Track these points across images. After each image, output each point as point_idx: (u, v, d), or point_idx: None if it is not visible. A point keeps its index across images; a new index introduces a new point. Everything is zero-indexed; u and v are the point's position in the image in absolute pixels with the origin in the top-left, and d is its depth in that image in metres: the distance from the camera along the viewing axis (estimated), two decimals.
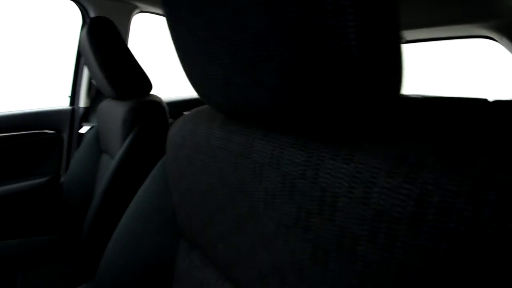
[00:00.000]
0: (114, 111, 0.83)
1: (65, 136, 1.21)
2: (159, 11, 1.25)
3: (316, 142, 0.22)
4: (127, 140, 0.72)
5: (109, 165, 0.94)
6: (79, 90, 1.22)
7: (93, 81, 1.21)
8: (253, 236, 0.28)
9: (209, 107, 0.38)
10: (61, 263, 0.88)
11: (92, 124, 1.17)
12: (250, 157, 0.27)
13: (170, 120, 0.91)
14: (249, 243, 0.28)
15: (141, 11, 1.21)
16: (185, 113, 1.48)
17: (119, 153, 0.72)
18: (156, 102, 0.79)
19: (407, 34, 1.47)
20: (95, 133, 1.04)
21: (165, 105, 0.81)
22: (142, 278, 0.42)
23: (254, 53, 0.20)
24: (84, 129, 1.18)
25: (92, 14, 1.11)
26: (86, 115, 1.22)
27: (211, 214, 0.33)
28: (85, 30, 0.76)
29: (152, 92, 0.89)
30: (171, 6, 0.26)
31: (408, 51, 1.70)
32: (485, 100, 1.36)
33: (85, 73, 1.19)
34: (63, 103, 1.25)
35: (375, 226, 0.17)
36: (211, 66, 0.26)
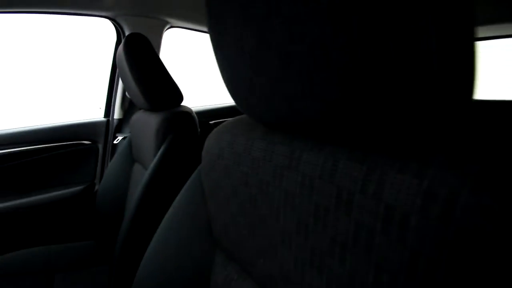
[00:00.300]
0: (147, 122, 0.86)
1: (100, 146, 1.27)
2: (189, 26, 1.31)
3: (376, 154, 0.20)
4: (161, 150, 0.74)
5: (141, 174, 0.97)
6: (113, 103, 1.28)
7: (127, 94, 1.27)
8: (300, 253, 0.26)
9: (247, 117, 0.37)
10: (96, 268, 0.91)
11: (125, 135, 1.22)
12: (297, 169, 0.26)
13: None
14: (295, 261, 0.27)
15: (171, 27, 1.27)
16: (211, 122, 1.51)
17: (153, 162, 0.74)
18: (187, 113, 0.81)
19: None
20: (128, 143, 1.08)
21: (195, 115, 0.83)
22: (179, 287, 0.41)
23: (310, 62, 0.19)
24: (117, 140, 1.23)
25: (126, 31, 1.18)
26: (119, 126, 1.28)
27: (250, 227, 0.32)
28: (121, 46, 0.81)
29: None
30: (217, 18, 0.26)
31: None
32: None
33: (120, 86, 1.26)
34: (94, 114, 1.33)
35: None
36: (257, 77, 0.25)
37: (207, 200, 0.41)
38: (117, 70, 1.25)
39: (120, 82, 1.26)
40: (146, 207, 0.73)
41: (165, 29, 1.24)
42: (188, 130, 0.80)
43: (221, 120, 1.59)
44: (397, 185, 0.18)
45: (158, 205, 0.72)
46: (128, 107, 1.29)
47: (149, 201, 0.73)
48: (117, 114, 1.29)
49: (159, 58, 0.81)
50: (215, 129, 0.42)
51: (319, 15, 0.17)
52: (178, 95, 0.85)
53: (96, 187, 1.27)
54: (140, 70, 0.77)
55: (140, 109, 1.18)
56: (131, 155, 1.06)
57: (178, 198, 0.47)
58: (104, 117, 1.31)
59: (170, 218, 0.46)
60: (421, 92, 0.16)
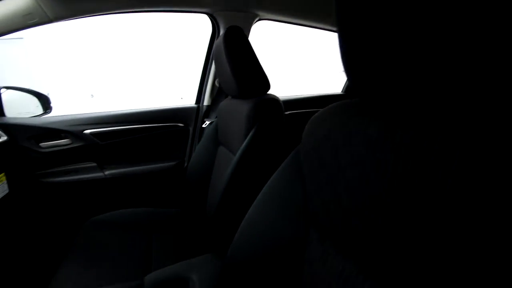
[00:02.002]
0: (236, 108, 0.94)
1: (191, 129, 1.44)
2: (278, 17, 1.35)
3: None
4: (250, 134, 0.80)
5: (225, 156, 1.06)
6: (204, 91, 1.43)
7: (216, 83, 1.40)
8: (414, 238, 0.26)
9: (347, 104, 0.38)
10: (184, 232, 1.05)
11: (212, 120, 1.35)
12: (421, 153, 0.26)
13: None
14: (405, 243, 0.27)
15: (260, 19, 1.33)
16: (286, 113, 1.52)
17: (243, 144, 0.81)
18: (276, 100, 0.85)
19: None
20: (214, 127, 1.19)
21: (282, 103, 0.87)
22: (272, 259, 0.45)
23: (464, 44, 0.19)
24: (205, 124, 1.38)
25: (221, 25, 1.29)
26: (207, 112, 1.43)
27: (358, 207, 0.33)
28: (220, 38, 0.89)
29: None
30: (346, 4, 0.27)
31: None
32: None
33: (210, 76, 1.40)
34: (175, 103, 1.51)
35: None
36: (390, 63, 0.26)
37: (305, 179, 0.43)
38: (210, 61, 1.39)
39: (211, 72, 1.39)
40: (236, 184, 0.80)
41: (254, 21, 1.31)
42: (275, 116, 0.84)
43: (294, 111, 1.60)
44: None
45: (246, 183, 0.79)
46: (216, 95, 1.42)
47: (238, 179, 0.81)
48: (206, 101, 1.44)
49: (252, 49, 0.87)
50: (317, 114, 0.43)
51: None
52: (266, 84, 0.89)
53: (185, 164, 1.45)
54: (236, 59, 0.85)
55: (226, 96, 1.28)
56: (217, 138, 1.17)
57: (274, 176, 0.51)
58: (195, 104, 1.48)
59: (267, 194, 0.50)
60: None
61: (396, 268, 0.29)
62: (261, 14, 1.30)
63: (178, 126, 1.43)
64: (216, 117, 1.20)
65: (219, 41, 0.91)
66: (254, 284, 0.47)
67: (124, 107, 1.42)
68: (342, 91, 1.78)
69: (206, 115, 1.43)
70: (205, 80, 1.43)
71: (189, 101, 1.52)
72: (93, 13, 0.98)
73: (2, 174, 1.04)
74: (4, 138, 1.09)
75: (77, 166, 1.28)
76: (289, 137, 0.84)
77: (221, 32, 1.32)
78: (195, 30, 3.87)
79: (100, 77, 4.06)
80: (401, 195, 0.28)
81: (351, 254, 0.35)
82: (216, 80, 1.40)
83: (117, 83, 4.04)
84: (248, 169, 0.81)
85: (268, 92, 0.96)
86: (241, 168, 0.82)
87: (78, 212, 1.26)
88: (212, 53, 1.36)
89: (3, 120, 1.17)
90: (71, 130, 1.23)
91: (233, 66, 0.85)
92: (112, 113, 1.33)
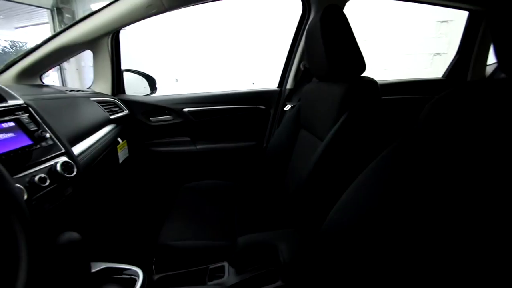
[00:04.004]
0: (326, 91, 0.93)
1: (271, 111, 1.50)
2: None
3: None
4: (342, 118, 0.79)
5: (308, 139, 1.08)
6: (288, 75, 1.46)
7: (301, 67, 1.40)
8: None
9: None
10: (262, 206, 1.12)
11: (294, 104, 1.38)
12: None
13: None
14: None
15: None
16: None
17: (333, 129, 0.80)
18: (373, 82, 0.81)
19: None
20: (297, 111, 1.21)
21: (379, 86, 0.82)
22: (365, 236, 0.46)
23: None
24: (287, 107, 1.41)
25: (313, 6, 1.27)
26: (290, 96, 1.46)
27: None
28: (317, 17, 0.88)
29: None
30: None
31: None
32: None
33: (296, 60, 1.41)
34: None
35: None
36: None
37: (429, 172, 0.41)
38: (297, 43, 1.40)
39: (297, 55, 1.40)
40: (323, 168, 0.81)
41: (347, 1, 1.25)
42: (372, 101, 0.80)
43: (389, 97, 1.48)
44: None
45: (334, 168, 0.79)
46: (300, 79, 1.43)
47: (326, 164, 0.81)
48: (289, 85, 1.46)
49: (351, 28, 0.84)
50: (445, 99, 0.40)
51: None
52: (362, 65, 0.85)
53: (264, 144, 1.53)
54: (333, 39, 0.82)
55: (309, 81, 1.28)
56: (299, 122, 1.19)
57: (379, 158, 0.50)
58: (278, 87, 1.52)
59: (368, 179, 0.51)
60: None
61: None
62: None
63: (260, 108, 1.50)
64: (299, 100, 1.22)
65: (314, 20, 0.90)
66: (344, 257, 0.49)
67: (202, 90, 1.55)
68: (443, 76, 1.56)
69: (288, 99, 1.45)
70: (290, 63, 1.44)
71: (261, 86, 1.57)
72: (202, 1, 1.09)
73: (125, 141, 1.29)
74: (126, 111, 1.34)
75: (176, 139, 1.49)
76: (385, 125, 0.80)
77: (312, 13, 1.30)
78: (272, 17, 3.90)
79: (183, 63, 4.50)
80: None
81: None
82: (302, 63, 1.40)
83: (198, 68, 4.42)
84: (337, 154, 0.80)
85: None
86: (329, 153, 0.81)
87: (175, 178, 1.48)
88: (304, 33, 1.35)
89: (125, 97, 1.43)
90: (174, 108, 1.42)
91: (328, 46, 0.84)
92: (205, 94, 1.48)
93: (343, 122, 0.79)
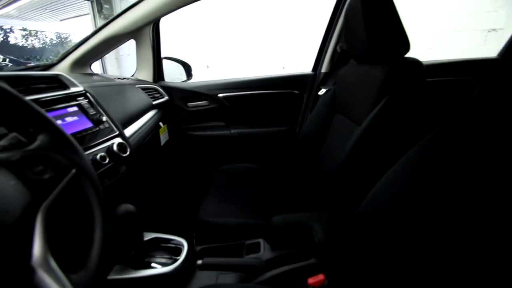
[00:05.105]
0: (366, 74, 0.90)
1: (305, 96, 1.49)
2: None
3: None
4: (383, 101, 0.76)
5: (343, 123, 1.06)
6: (323, 58, 1.43)
7: (338, 48, 1.36)
8: None
9: None
10: (295, 189, 1.15)
11: (329, 88, 1.35)
12: None
13: None
14: None
15: None
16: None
17: (372, 113, 0.78)
18: (418, 63, 0.77)
19: None
20: (332, 95, 1.19)
21: (425, 68, 0.78)
22: (401, 223, 0.47)
23: None
24: (321, 92, 1.39)
25: None
26: (324, 80, 1.43)
27: None
28: None
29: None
30: None
31: None
32: None
33: (332, 42, 1.37)
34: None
35: None
36: None
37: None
38: (333, 26, 1.35)
39: (333, 38, 1.36)
40: (360, 153, 0.80)
41: None
42: (416, 83, 0.76)
43: (436, 79, 1.39)
44: None
45: (373, 153, 0.78)
46: (336, 61, 1.40)
47: (363, 149, 0.80)
48: (324, 68, 1.43)
49: (394, 5, 0.79)
50: (505, 76, 0.38)
51: None
52: (406, 45, 0.81)
53: (297, 129, 1.53)
54: (375, 18, 0.78)
55: (346, 63, 1.24)
56: (334, 106, 1.18)
57: (421, 144, 0.49)
58: (312, 71, 1.50)
59: (411, 160, 0.50)
60: None
61: None
62: None
63: (294, 93, 1.50)
64: (334, 84, 1.19)
65: (355, 0, 0.87)
66: (378, 241, 0.51)
67: (232, 76, 1.57)
68: (498, 55, 1.42)
69: (323, 83, 1.43)
70: (326, 46, 1.41)
71: (292, 70, 1.54)
72: None
73: (165, 125, 1.38)
74: (166, 97, 1.42)
75: (211, 124, 1.55)
76: (429, 109, 0.76)
77: None
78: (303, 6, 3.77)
79: (213, 49, 4.54)
80: None
81: None
82: (339, 45, 1.36)
83: (228, 54, 4.45)
84: (375, 139, 0.79)
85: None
86: (366, 137, 0.80)
87: (210, 161, 1.56)
88: (341, 13, 1.30)
89: (165, 83, 1.51)
90: (209, 93, 1.47)
91: (369, 25, 0.80)
92: (239, 79, 1.51)
93: (383, 106, 0.77)
